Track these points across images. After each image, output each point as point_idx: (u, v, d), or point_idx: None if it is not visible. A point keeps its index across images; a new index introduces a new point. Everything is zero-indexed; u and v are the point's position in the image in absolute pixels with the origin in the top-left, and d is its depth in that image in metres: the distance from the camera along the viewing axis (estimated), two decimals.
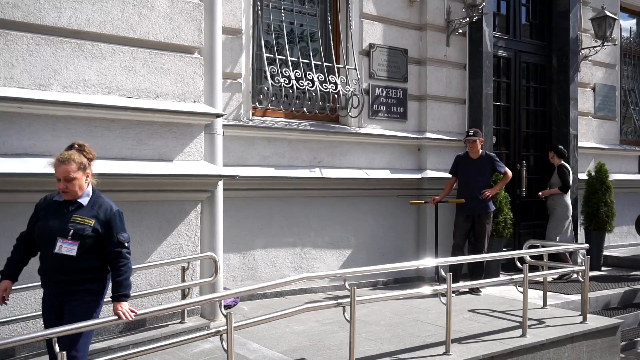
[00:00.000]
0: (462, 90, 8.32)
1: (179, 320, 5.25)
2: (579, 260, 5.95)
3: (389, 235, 7.70)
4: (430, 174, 7.80)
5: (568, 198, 8.41)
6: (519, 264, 5.37)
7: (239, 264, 6.55)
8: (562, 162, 8.42)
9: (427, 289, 4.85)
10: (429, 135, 7.90)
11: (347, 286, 4.31)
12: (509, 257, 5.90)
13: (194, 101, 5.32)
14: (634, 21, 11.60)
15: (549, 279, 6.93)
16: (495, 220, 7.67)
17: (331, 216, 7.20)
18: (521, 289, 5.31)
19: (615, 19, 9.50)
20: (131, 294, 3.56)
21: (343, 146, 7.31)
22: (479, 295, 7.03)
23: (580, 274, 5.92)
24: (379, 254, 7.57)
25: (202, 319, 5.43)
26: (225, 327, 3.71)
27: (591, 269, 8.82)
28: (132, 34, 5.01)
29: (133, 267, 3.64)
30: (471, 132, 7.29)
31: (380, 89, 7.64)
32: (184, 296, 5.20)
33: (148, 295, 5.01)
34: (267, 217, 6.74)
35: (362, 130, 7.45)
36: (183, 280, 5.18)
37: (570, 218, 8.46)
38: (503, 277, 7.51)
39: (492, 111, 8.34)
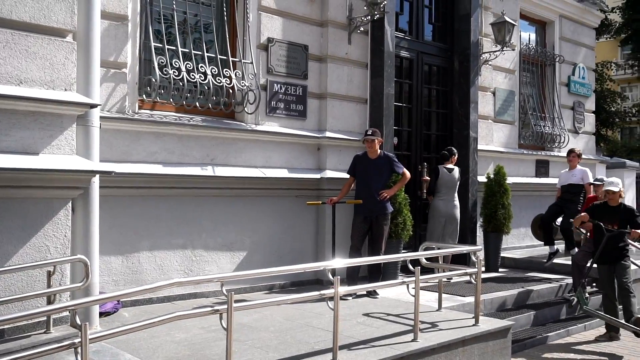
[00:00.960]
0: (363, 89, 8.15)
1: (43, 330, 4.73)
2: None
3: (287, 237, 7.40)
4: (329, 174, 7.57)
5: (437, 202, 8.35)
6: (411, 267, 5.19)
7: (122, 267, 6.07)
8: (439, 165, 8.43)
9: (314, 293, 4.55)
10: (329, 134, 7.67)
11: (224, 292, 3.97)
12: (402, 259, 5.69)
13: (65, 89, 4.81)
14: (533, 29, 11.86)
15: (445, 281, 6.85)
16: (395, 221, 7.52)
17: (225, 217, 6.83)
18: (413, 292, 5.11)
19: (514, 25, 9.62)
20: None
21: (238, 143, 6.95)
22: (376, 298, 6.85)
23: (474, 276, 5.80)
24: (276, 256, 7.26)
25: (72, 328, 4.92)
26: (79, 340, 3.26)
27: (489, 271, 9.02)
28: None
29: None
30: (370, 132, 7.10)
31: (279, 85, 7.34)
32: (49, 303, 4.68)
33: (7, 302, 4.47)
34: (154, 217, 6.29)
35: (259, 128, 7.12)
36: (49, 286, 4.66)
37: (440, 222, 8.36)
38: (400, 279, 7.35)
39: (393, 111, 8.21)
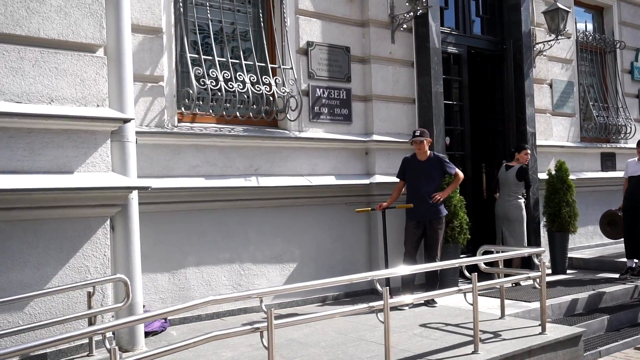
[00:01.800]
0: (410, 89, 7.82)
1: (86, 353, 4.62)
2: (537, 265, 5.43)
3: (337, 246, 7.14)
4: (379, 178, 7.27)
5: (496, 202, 8.12)
6: (466, 273, 4.83)
7: (168, 284, 5.93)
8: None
9: (361, 306, 4.26)
10: (376, 137, 7.38)
11: (264, 308, 3.72)
12: (458, 265, 5.34)
13: (97, 105, 4.71)
14: (590, 16, 11.26)
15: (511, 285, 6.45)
16: (450, 225, 7.16)
17: (272, 228, 6.62)
18: (470, 301, 4.75)
19: (568, 12, 9.12)
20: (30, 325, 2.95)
21: (282, 152, 6.75)
22: (434, 307, 6.49)
23: (537, 280, 5.38)
24: (327, 267, 7.00)
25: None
26: None
27: (556, 273, 8.51)
28: (18, 30, 4.39)
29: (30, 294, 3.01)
30: (417, 132, 6.77)
31: (322, 90, 7.11)
32: (90, 325, 4.55)
33: (48, 326, 4.36)
34: (199, 232, 6.13)
35: (303, 135, 6.90)
36: (89, 307, 4.54)
37: (498, 222, 8.09)
38: (458, 287, 6.97)
39: (442, 110, 7.85)
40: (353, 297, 7.08)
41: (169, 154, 5.96)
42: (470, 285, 4.77)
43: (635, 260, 8.05)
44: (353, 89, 7.38)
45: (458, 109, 8.55)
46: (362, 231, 7.35)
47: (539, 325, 5.39)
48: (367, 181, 7.27)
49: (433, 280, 6.73)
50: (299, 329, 5.57)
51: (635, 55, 11.43)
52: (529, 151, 8.08)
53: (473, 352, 4.70)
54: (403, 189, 6.89)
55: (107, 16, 4.85)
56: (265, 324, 3.63)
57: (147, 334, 5.38)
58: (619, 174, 9.75)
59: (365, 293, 7.20)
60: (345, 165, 7.26)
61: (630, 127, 10.88)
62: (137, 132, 5.50)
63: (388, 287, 4.19)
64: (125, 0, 4.96)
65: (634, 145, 8.76)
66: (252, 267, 6.45)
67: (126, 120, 4.81)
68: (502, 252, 5.81)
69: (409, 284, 6.68)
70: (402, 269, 5.11)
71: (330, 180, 7.03)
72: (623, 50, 11.17)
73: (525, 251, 5.65)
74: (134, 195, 4.94)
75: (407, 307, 6.42)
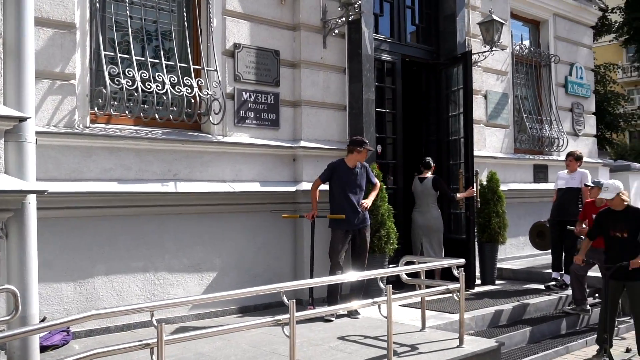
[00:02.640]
0: (341, 95, 7.66)
1: None
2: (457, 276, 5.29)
3: (261, 255, 6.90)
4: (306, 185, 7.05)
5: (413, 213, 8.15)
6: (381, 285, 4.67)
7: (75, 294, 5.58)
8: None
9: (265, 320, 4.03)
10: (304, 144, 7.17)
11: (154, 322, 3.46)
12: (377, 276, 5.17)
13: None
14: (526, 29, 11.36)
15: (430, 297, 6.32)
16: (377, 234, 7.02)
17: (191, 235, 6.34)
18: (385, 314, 4.59)
19: (503, 24, 9.12)
20: None
21: (204, 157, 6.48)
22: (357, 318, 6.32)
23: (456, 293, 5.26)
24: (250, 276, 6.76)
25: None
26: None
27: (485, 283, 8.47)
28: None
29: None
30: (365, 141, 6.64)
31: (248, 94, 6.87)
32: None
33: None
34: (110, 239, 5.80)
35: (227, 139, 6.65)
36: None
37: (418, 234, 8.08)
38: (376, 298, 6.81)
39: (374, 118, 7.70)
40: (276, 307, 6.83)
41: (79, 156, 5.62)
42: (385, 298, 4.60)
43: (561, 272, 8.07)
44: (282, 94, 7.17)
45: (391, 117, 8.44)
46: (287, 240, 7.13)
47: (458, 338, 5.27)
48: (293, 188, 7.06)
49: (358, 291, 6.57)
50: (211, 342, 5.30)
51: (569, 70, 11.59)
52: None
53: None
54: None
55: (6, 6, 4.50)
56: (156, 339, 3.38)
57: (47, 348, 5.04)
58: (551, 185, 9.82)
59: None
60: (272, 171, 7.04)
61: (563, 140, 11.00)
62: (43, 133, 5.21)
63: (293, 301, 3.99)
64: None
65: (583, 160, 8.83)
66: (167, 277, 6.15)
67: (22, 119, 4.45)
68: (424, 263, 5.67)
69: (334, 294, 6.50)
70: (310, 281, 4.91)
71: (255, 187, 6.80)
72: (558, 65, 11.30)
73: (446, 262, 5.54)
74: (31, 199, 4.58)
75: (333, 318, 6.24)
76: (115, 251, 5.82)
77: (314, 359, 4.82)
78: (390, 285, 4.60)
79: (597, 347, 6.11)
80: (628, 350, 6.35)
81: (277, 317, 4.06)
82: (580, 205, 7.91)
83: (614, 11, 21.00)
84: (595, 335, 6.22)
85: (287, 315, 3.97)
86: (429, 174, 8.07)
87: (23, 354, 4.53)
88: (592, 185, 7.45)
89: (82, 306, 5.61)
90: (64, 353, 5.05)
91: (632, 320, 7.03)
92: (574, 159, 8.23)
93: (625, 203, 5.97)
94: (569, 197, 7.99)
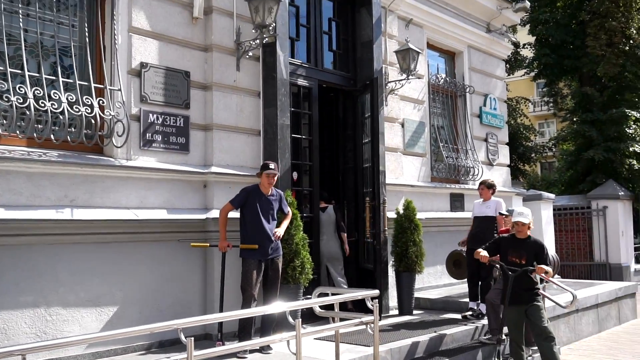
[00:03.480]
0: (256, 120, 7.39)
1: None
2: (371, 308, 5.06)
3: (168, 287, 6.46)
4: (217, 213, 6.62)
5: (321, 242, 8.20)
6: (290, 319, 4.38)
7: None
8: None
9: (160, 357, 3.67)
10: (216, 169, 6.84)
11: None
12: (289, 309, 4.87)
13: None
14: (443, 60, 11.52)
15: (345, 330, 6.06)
16: (292, 264, 6.72)
17: (88, 267, 5.84)
18: (294, 350, 4.28)
19: (419, 53, 9.16)
20: None
21: (105, 182, 6.04)
22: (269, 353, 5.97)
23: (370, 325, 5.02)
24: (156, 310, 6.31)
25: None
26: None
27: (403, 313, 8.29)
28: None
29: None
30: (272, 166, 6.35)
31: (155, 116, 6.50)
32: None
33: None
34: (7, 271, 5.25)
35: (132, 163, 6.24)
36: None
37: (324, 262, 8.20)
38: (305, 329, 6.49)
39: (289, 143, 7.46)
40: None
41: None
42: (294, 333, 4.30)
43: (478, 302, 8.00)
44: (192, 117, 6.83)
45: (307, 143, 8.23)
46: (197, 271, 6.73)
47: None
48: (203, 216, 6.69)
49: (268, 325, 6.22)
50: None
51: (483, 100, 11.81)
52: None
53: None
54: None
55: None
56: None
57: None
58: (467, 214, 9.84)
59: (198, 338, 6.54)
60: (180, 198, 6.65)
61: (478, 169, 11.13)
62: None
63: (192, 338, 3.63)
64: None
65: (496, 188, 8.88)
66: (61, 312, 5.62)
67: None
68: (337, 294, 5.42)
69: (247, 328, 6.14)
70: (209, 317, 4.56)
71: (162, 214, 6.39)
72: (472, 95, 11.49)
73: (360, 294, 5.31)
74: None
75: (247, 355, 5.87)
76: (1, 285, 5.27)
77: None
78: (299, 320, 4.32)
79: None
80: None
81: (174, 357, 3.69)
82: (495, 234, 7.90)
83: (525, 47, 21.91)
84: None
85: (184, 355, 3.61)
86: (330, 205, 8.29)
87: None
88: (506, 213, 7.46)
89: None
90: None
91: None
92: (485, 187, 8.25)
93: (528, 232, 6.17)
94: (485, 226, 7.96)
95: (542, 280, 6.55)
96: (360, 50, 8.96)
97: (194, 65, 6.92)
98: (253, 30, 6.98)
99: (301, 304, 4.88)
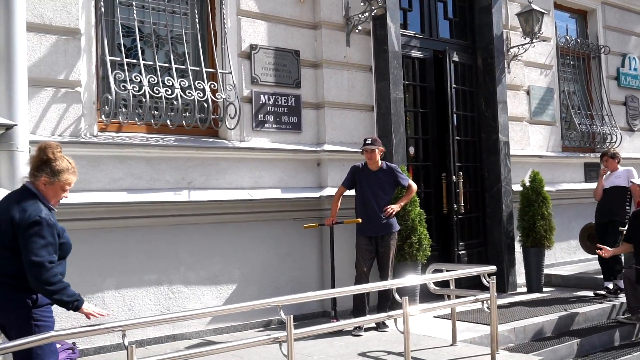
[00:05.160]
0: (368, 95, 7.19)
1: None
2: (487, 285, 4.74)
3: (284, 265, 6.49)
4: (331, 191, 6.57)
5: None
6: (397, 297, 4.18)
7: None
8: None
9: (261, 338, 3.62)
10: (328, 147, 6.74)
11: (126, 343, 3.10)
12: (387, 287, 4.68)
13: None
14: (573, 20, 10.62)
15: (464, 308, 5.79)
16: (409, 241, 6.50)
17: (207, 246, 5.99)
18: (402, 329, 4.10)
19: (543, 14, 8.47)
20: None
21: (220, 164, 6.13)
22: (385, 331, 5.83)
23: (487, 302, 4.71)
24: (273, 287, 6.37)
25: None
26: None
27: (531, 291, 7.82)
28: None
29: None
30: (369, 141, 6.12)
31: (267, 97, 6.50)
32: None
33: None
34: (121, 252, 5.51)
35: (245, 144, 6.30)
36: None
37: None
38: (427, 305, 6.24)
39: (403, 118, 7.21)
40: (302, 320, 6.40)
41: (86, 166, 5.33)
42: (401, 311, 4.12)
43: (612, 279, 7.33)
44: (303, 96, 6.77)
45: (423, 116, 7.89)
46: (313, 249, 6.70)
47: (489, 354, 4.71)
48: (317, 194, 6.63)
49: (384, 302, 6.06)
50: (223, 357, 4.92)
51: (621, 61, 10.76)
52: None
53: None
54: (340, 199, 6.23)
55: None
56: None
57: None
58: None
59: (316, 316, 6.56)
60: (294, 177, 6.64)
61: (616, 136, 10.17)
62: None
63: (291, 316, 3.56)
64: None
65: (623, 155, 8.13)
66: (183, 290, 5.81)
67: (9, 127, 4.22)
68: (452, 270, 5.14)
69: (360, 306, 6.04)
70: (312, 294, 4.43)
71: (276, 193, 6.41)
72: (608, 56, 10.50)
73: (475, 270, 4.98)
74: None
75: (362, 332, 5.79)
76: (127, 264, 5.53)
77: None
78: (407, 298, 4.11)
79: None
80: None
81: (275, 335, 3.65)
82: (627, 207, 7.18)
83: None
84: None
85: (284, 333, 3.55)
86: None
87: None
88: None
89: (91, 322, 5.32)
90: None
91: None
92: (609, 157, 7.54)
93: None
94: (615, 197, 7.26)
95: None
96: (479, 16, 8.44)
97: (303, 43, 6.83)
98: (362, 3, 6.77)
99: (402, 281, 4.66)
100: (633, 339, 6.56)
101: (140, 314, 5.53)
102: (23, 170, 4.36)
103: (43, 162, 3.27)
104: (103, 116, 5.55)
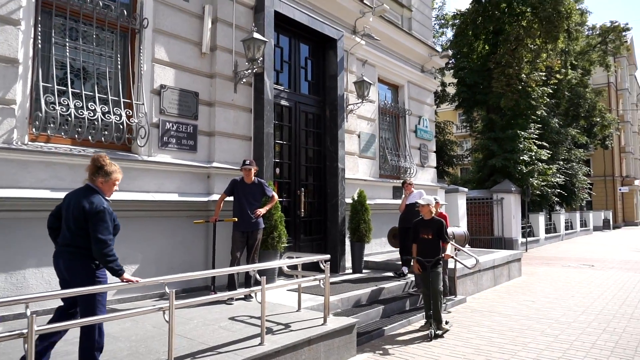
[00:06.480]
0: (248, 129, 7.01)
1: None
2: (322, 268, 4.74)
3: (178, 251, 6.09)
4: (216, 197, 6.33)
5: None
6: (257, 276, 4.04)
7: (5, 283, 4.61)
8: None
9: (148, 308, 3.30)
10: (217, 165, 6.47)
11: (28, 313, 2.67)
12: (260, 268, 4.51)
13: None
14: (390, 91, 11.18)
15: (309, 284, 5.73)
16: (271, 235, 6.37)
17: (118, 235, 5.41)
18: (259, 299, 3.94)
19: (370, 84, 8.82)
20: None
21: (132, 172, 5.65)
22: (250, 301, 5.63)
23: (321, 281, 4.70)
24: (168, 268, 5.93)
25: None
26: None
27: (355, 272, 7.94)
28: None
29: None
30: (247, 162, 5.96)
31: (171, 124, 6.11)
32: None
33: None
34: (42, 237, 4.81)
35: (152, 159, 5.85)
36: None
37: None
38: (276, 283, 6.13)
39: (272, 147, 7.11)
40: (190, 292, 6.04)
41: (16, 168, 4.69)
42: (271, 284, 3.97)
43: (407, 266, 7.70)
44: (199, 126, 6.46)
45: (287, 147, 7.86)
46: (200, 239, 6.36)
47: (322, 317, 4.69)
48: (206, 199, 6.32)
49: (249, 279, 5.87)
50: (121, 323, 4.47)
51: (418, 120, 11.49)
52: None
53: (259, 344, 3.88)
54: (221, 204, 5.99)
55: None
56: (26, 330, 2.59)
57: None
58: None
59: (201, 289, 6.21)
60: (189, 185, 6.28)
61: (414, 169, 10.82)
62: None
63: (174, 291, 3.28)
64: None
65: (416, 182, 8.55)
66: None
67: None
68: (298, 257, 5.07)
69: (232, 283, 5.79)
70: (192, 274, 4.15)
71: (174, 197, 6.01)
72: (410, 116, 11.17)
73: (316, 257, 4.97)
74: None
75: (233, 302, 5.53)
76: (47, 247, 4.83)
77: (203, 337, 4.10)
78: (265, 277, 3.98)
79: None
80: (446, 322, 5.99)
81: (159, 304, 3.34)
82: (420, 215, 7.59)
83: (450, 84, 21.62)
84: (424, 312, 5.85)
85: (167, 304, 3.26)
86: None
87: None
88: (421, 202, 7.15)
89: (12, 293, 4.64)
90: None
91: (454, 298, 6.74)
92: (407, 184, 8.00)
93: (432, 214, 5.92)
94: (412, 210, 7.66)
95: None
96: (328, 81, 8.60)
97: (201, 87, 6.53)
98: (246, 63, 6.63)
99: (266, 264, 4.54)
100: (417, 305, 6.89)
101: (56, 287, 4.88)
102: None
103: (97, 167, 3.35)
104: (34, 129, 4.89)
